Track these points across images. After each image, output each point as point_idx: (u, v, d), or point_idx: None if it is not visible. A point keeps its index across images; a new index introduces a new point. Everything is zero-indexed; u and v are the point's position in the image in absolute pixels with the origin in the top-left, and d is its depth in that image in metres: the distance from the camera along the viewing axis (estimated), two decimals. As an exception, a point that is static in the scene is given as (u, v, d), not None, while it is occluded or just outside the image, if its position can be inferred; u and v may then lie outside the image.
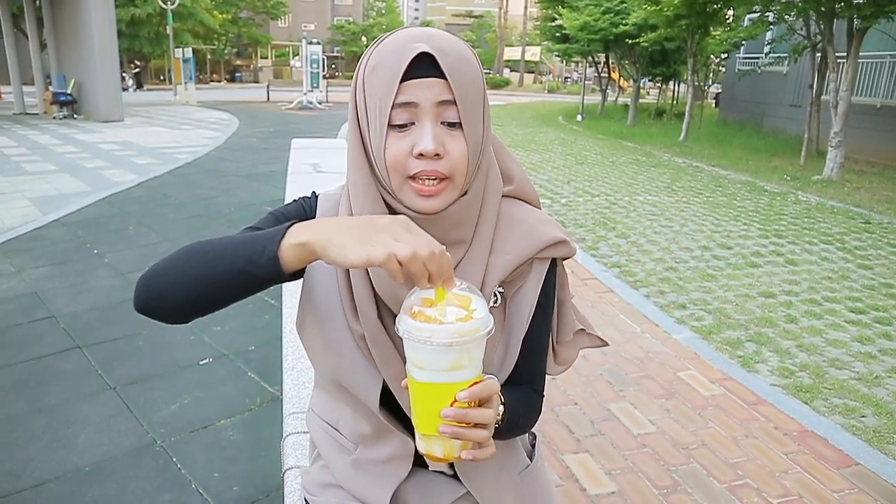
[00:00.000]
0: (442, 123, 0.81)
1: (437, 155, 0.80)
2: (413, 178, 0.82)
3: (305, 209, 0.97)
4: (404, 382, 0.79)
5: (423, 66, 0.79)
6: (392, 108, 0.80)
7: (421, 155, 0.80)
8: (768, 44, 12.51)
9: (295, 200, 0.98)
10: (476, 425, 0.76)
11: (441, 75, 0.79)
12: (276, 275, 0.75)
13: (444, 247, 0.73)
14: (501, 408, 0.86)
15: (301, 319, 0.96)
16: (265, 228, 0.88)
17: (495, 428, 0.84)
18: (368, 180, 0.86)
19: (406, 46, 0.79)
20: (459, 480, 0.97)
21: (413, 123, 0.81)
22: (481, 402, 0.77)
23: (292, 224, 0.76)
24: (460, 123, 0.81)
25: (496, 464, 1.00)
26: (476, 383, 0.75)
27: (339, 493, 1.01)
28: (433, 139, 0.79)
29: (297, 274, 0.78)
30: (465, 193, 0.87)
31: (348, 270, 0.89)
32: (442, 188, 0.82)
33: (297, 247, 0.74)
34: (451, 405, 0.74)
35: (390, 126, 0.81)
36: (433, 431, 0.75)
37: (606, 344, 1.11)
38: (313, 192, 1.00)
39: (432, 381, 0.74)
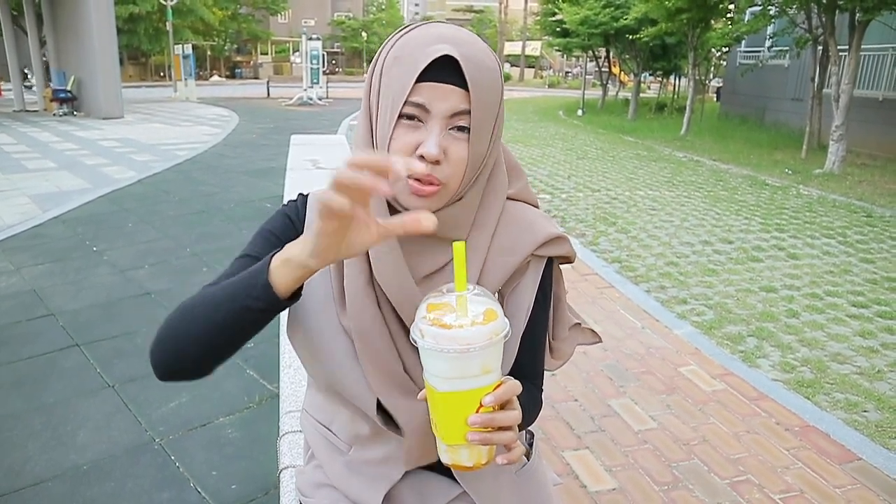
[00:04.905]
0: (450, 129, 0.80)
1: (437, 162, 0.79)
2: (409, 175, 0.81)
3: (291, 217, 0.94)
4: (422, 395, 0.77)
5: (445, 69, 0.78)
6: (404, 104, 0.79)
7: (422, 157, 0.79)
8: (770, 38, 12.45)
9: (280, 209, 0.96)
10: (500, 428, 0.74)
11: (460, 83, 0.78)
12: (276, 301, 0.73)
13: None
14: None
15: (292, 327, 0.94)
16: (256, 254, 0.88)
17: None
18: None
19: (431, 45, 0.78)
20: (455, 480, 0.96)
21: (422, 122, 0.80)
22: (504, 405, 0.75)
23: (275, 253, 0.74)
24: (469, 130, 0.80)
25: (493, 463, 0.99)
26: (498, 386, 0.73)
27: (332, 493, 1.00)
28: (437, 144, 0.79)
29: (297, 295, 0.76)
30: (461, 199, 0.86)
31: (342, 272, 0.88)
32: (434, 191, 0.82)
33: (284, 263, 0.71)
34: (477, 411, 0.72)
35: (399, 116, 0.80)
36: (461, 440, 0.73)
37: (600, 340, 1.10)
38: (300, 194, 0.97)
39: (458, 389, 0.71)
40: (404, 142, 0.80)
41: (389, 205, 0.86)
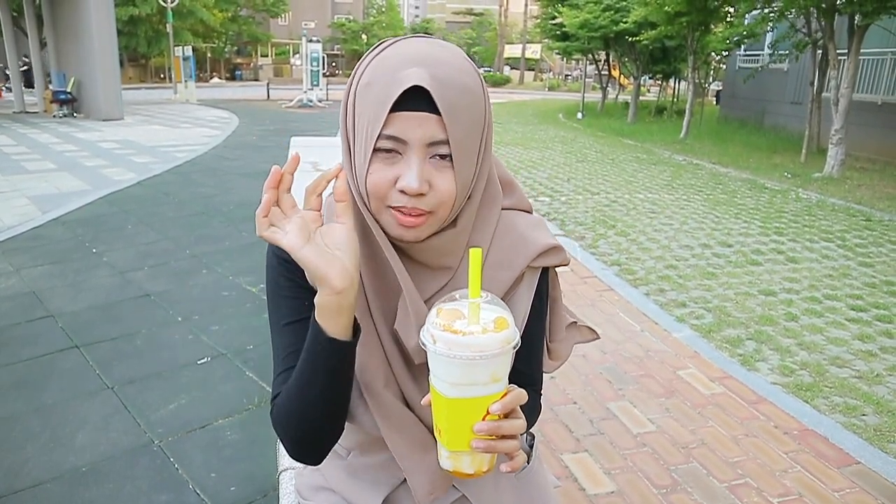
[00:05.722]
0: (431, 157, 0.78)
1: (421, 194, 0.77)
2: (391, 206, 0.80)
3: (279, 255, 0.90)
4: (426, 400, 0.76)
5: (418, 95, 0.74)
6: (378, 137, 0.76)
7: (402, 192, 0.78)
8: (770, 46, 12.46)
9: (268, 262, 0.91)
10: (504, 436, 0.74)
11: (436, 109, 0.75)
12: (347, 344, 0.78)
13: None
14: None
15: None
16: (294, 315, 0.88)
17: None
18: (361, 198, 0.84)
19: (401, 72, 0.75)
20: (454, 484, 0.96)
21: (400, 154, 0.78)
22: (509, 413, 0.74)
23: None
24: (451, 158, 0.78)
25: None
26: (505, 395, 0.73)
27: (331, 496, 1.00)
28: (418, 178, 0.76)
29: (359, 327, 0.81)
30: (455, 225, 0.85)
31: None
32: (422, 221, 0.80)
33: (320, 313, 0.76)
34: (483, 419, 0.72)
35: (376, 151, 0.78)
36: (465, 447, 0.73)
37: (598, 336, 1.11)
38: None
39: (466, 396, 0.71)
40: (383, 176, 0.78)
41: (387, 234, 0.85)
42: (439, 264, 0.87)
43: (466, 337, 0.69)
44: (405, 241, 0.82)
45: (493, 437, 0.72)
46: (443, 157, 0.78)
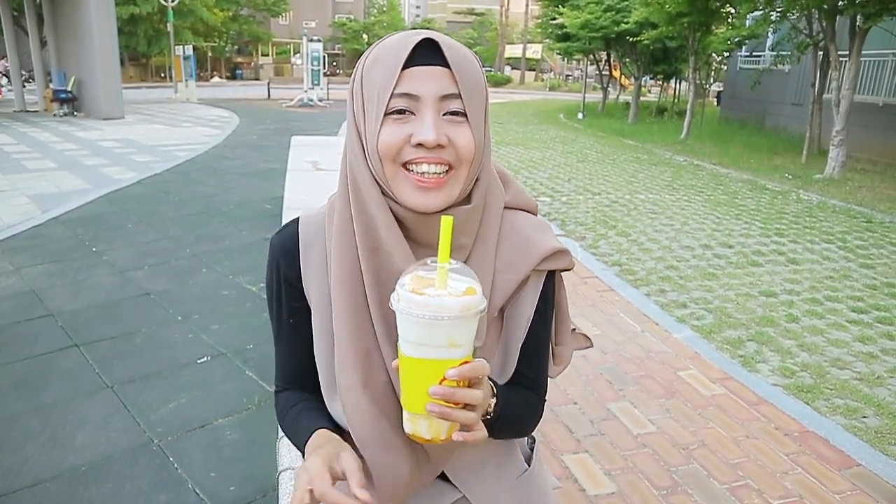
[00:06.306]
0: (445, 114, 0.79)
1: (439, 146, 0.78)
2: (408, 168, 0.79)
3: (279, 259, 0.94)
4: (396, 362, 0.77)
5: (427, 55, 0.78)
6: (391, 97, 0.77)
7: (420, 145, 0.77)
8: (772, 49, 12.46)
9: (268, 262, 0.96)
10: (465, 406, 0.74)
11: (445, 65, 0.78)
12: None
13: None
14: (493, 399, 0.83)
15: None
16: (292, 319, 0.94)
17: (490, 421, 0.82)
18: (370, 177, 0.83)
19: (409, 38, 0.78)
20: (454, 485, 0.96)
21: (413, 113, 0.78)
22: (471, 383, 0.74)
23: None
24: (465, 113, 0.79)
25: (493, 468, 0.98)
26: (466, 363, 0.73)
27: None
28: (434, 129, 0.77)
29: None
30: (469, 202, 0.85)
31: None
32: (446, 180, 0.79)
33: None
34: (440, 383, 0.72)
35: (387, 113, 0.78)
36: (421, 410, 0.74)
37: (591, 345, 1.11)
38: (295, 220, 0.95)
39: (423, 356, 0.72)
40: (394, 134, 0.78)
41: (394, 212, 0.83)
42: (454, 243, 0.86)
43: (425, 297, 0.70)
44: (424, 211, 0.81)
45: (451, 404, 0.72)
46: (455, 114, 0.79)
